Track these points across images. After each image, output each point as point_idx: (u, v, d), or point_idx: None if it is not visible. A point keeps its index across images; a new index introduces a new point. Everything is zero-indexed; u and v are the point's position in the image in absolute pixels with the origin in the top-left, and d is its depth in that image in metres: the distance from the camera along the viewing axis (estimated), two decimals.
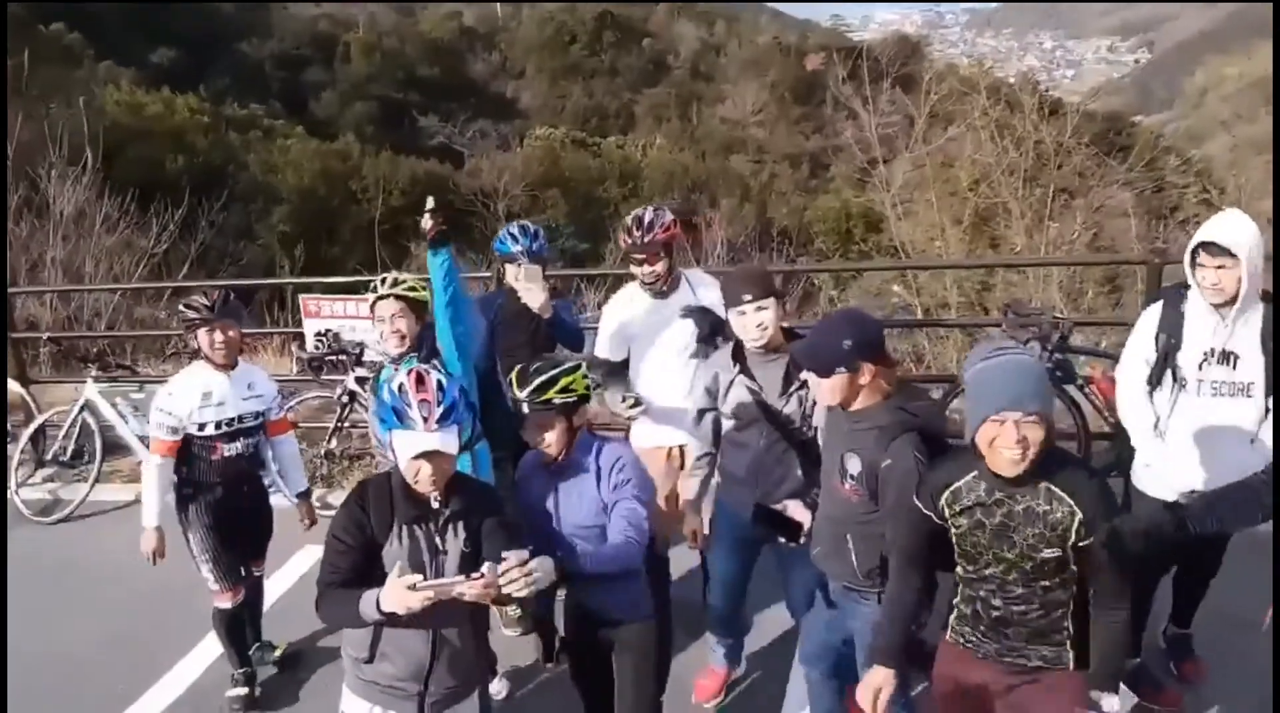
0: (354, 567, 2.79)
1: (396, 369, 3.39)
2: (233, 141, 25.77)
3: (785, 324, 3.64)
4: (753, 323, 3.45)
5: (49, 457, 7.01)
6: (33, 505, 6.59)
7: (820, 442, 3.36)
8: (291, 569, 5.43)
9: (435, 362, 3.65)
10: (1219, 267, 3.39)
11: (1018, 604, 2.65)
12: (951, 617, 2.85)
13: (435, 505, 2.85)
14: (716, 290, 3.98)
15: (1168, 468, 3.63)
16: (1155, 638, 4.22)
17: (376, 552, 2.82)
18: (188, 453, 4.16)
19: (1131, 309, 7.61)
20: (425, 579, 2.61)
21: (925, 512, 2.70)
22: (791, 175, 39.29)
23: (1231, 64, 54.14)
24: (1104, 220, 13.63)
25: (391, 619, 2.67)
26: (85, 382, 6.85)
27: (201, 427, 4.11)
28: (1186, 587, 4.07)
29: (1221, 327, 3.49)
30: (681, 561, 4.49)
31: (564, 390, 3.01)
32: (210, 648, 4.64)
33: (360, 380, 6.27)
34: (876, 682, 2.87)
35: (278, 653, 4.64)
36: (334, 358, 6.50)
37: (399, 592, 2.55)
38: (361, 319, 6.35)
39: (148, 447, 4.41)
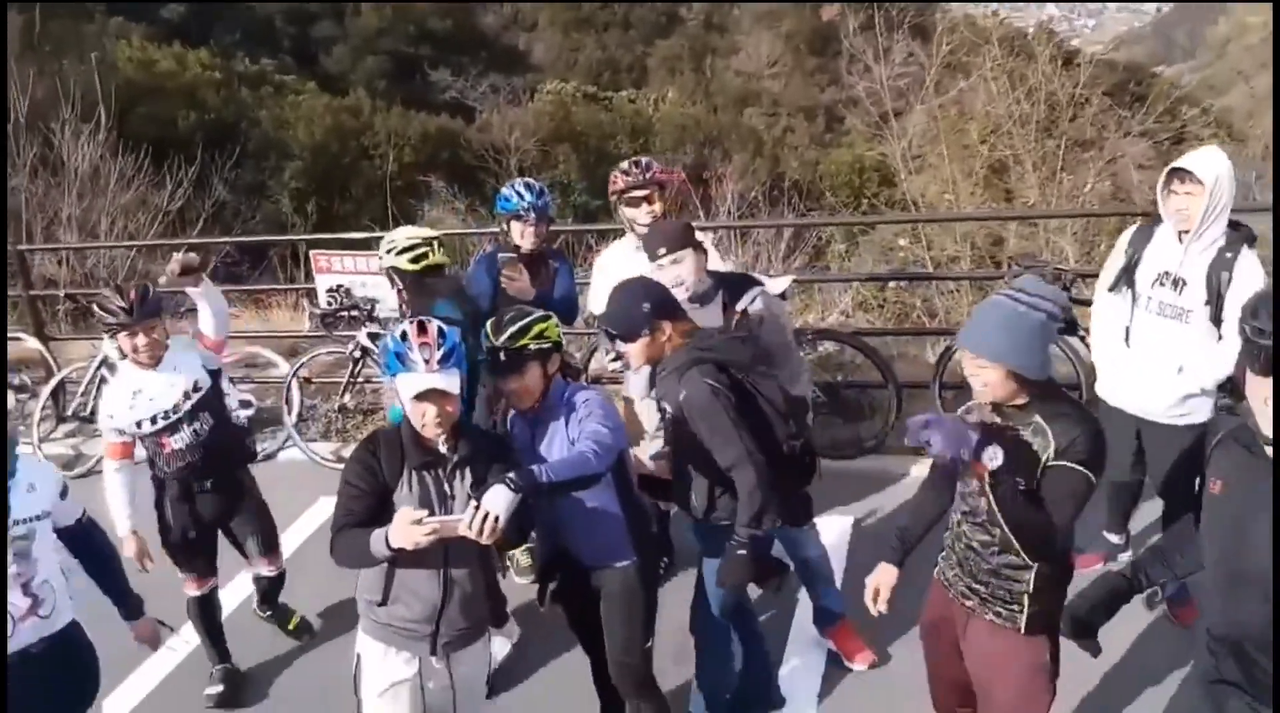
0: (367, 509, 2.90)
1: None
2: (245, 98, 25.67)
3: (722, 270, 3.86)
4: (669, 276, 3.60)
5: (69, 413, 7.17)
6: (56, 460, 6.72)
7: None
8: (307, 523, 5.56)
9: None
10: (1187, 193, 3.63)
11: (984, 534, 2.77)
12: (941, 554, 3.00)
13: (443, 452, 2.95)
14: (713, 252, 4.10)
15: (1112, 373, 4.07)
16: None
17: (388, 497, 2.92)
18: (147, 451, 4.12)
19: None
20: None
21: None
22: (807, 128, 38.87)
23: (1255, 12, 52.95)
24: (1120, 172, 13.49)
25: (401, 558, 2.78)
26: (103, 338, 6.97)
27: (139, 425, 4.01)
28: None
29: (1179, 253, 3.75)
30: None
31: (538, 337, 3.12)
32: (228, 601, 4.68)
33: (373, 336, 6.35)
34: (879, 578, 3.08)
35: (291, 624, 4.71)
36: (346, 313, 6.58)
37: (405, 527, 2.66)
38: (373, 275, 6.41)
39: None
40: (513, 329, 3.10)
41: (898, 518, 3.35)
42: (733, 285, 3.84)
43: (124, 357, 4.07)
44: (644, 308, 3.24)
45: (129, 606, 3.49)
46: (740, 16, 62.21)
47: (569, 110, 25.80)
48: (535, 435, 3.22)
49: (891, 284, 8.69)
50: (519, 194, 4.49)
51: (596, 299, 4.43)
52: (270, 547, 4.48)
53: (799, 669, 4.23)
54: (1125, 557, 4.67)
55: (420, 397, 2.84)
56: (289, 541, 5.09)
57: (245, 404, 4.57)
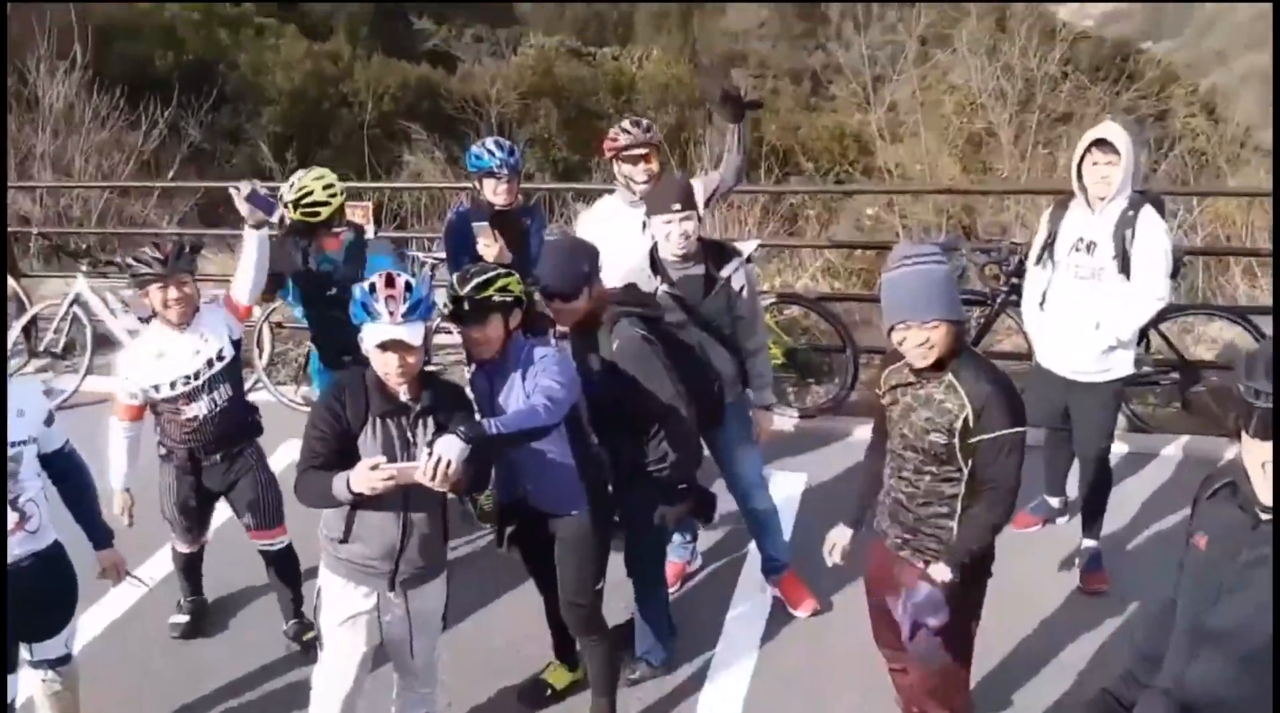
0: (331, 452, 3.03)
1: None
2: (223, 40, 25.23)
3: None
4: (678, 232, 3.77)
5: (41, 348, 7.23)
6: None
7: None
8: (274, 463, 5.66)
9: None
10: (1109, 162, 3.95)
11: (908, 487, 2.98)
12: (878, 509, 3.17)
13: (406, 401, 3.09)
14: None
15: (1041, 340, 4.39)
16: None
17: (352, 442, 3.05)
18: (158, 415, 4.03)
19: None
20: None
21: (875, 390, 3.09)
22: (793, 92, 38.62)
23: None
24: None
25: (361, 500, 2.93)
26: (76, 276, 7.02)
27: (158, 389, 3.91)
28: (1087, 499, 4.51)
29: (1091, 218, 4.08)
30: None
31: (502, 290, 3.21)
32: None
33: None
34: (835, 537, 3.29)
35: (307, 637, 4.20)
36: None
37: (364, 473, 2.82)
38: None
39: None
40: (477, 281, 3.21)
41: (848, 477, 3.54)
42: (715, 252, 3.98)
43: (153, 316, 3.94)
44: (583, 268, 3.42)
45: (100, 535, 3.58)
46: None
47: (551, 64, 25.54)
48: (494, 387, 3.34)
49: (859, 252, 8.84)
50: (490, 152, 4.57)
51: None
52: (270, 520, 4.25)
53: (744, 615, 4.43)
54: (1063, 521, 4.89)
55: (383, 346, 2.97)
56: None
57: None
